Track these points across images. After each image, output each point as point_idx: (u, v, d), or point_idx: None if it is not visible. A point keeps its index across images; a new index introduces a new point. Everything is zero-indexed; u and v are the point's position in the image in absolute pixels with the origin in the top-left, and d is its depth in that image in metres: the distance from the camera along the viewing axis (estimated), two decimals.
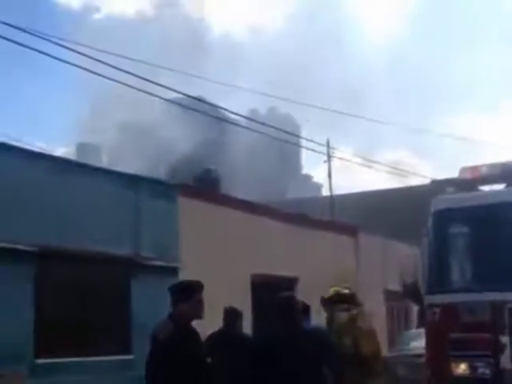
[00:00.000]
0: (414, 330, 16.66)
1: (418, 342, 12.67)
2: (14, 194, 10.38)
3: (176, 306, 5.67)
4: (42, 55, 11.37)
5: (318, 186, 44.47)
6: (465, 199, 9.08)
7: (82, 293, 11.28)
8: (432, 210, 9.06)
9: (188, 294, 5.68)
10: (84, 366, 10.92)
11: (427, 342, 8.89)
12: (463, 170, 9.36)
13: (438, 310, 8.52)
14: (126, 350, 11.73)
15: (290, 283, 15.75)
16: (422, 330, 10.33)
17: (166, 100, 18.38)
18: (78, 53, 11.82)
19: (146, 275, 12.23)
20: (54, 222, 10.91)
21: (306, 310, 7.48)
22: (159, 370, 5.43)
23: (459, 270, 9.22)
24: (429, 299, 8.72)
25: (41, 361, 10.37)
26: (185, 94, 15.49)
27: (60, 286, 11.01)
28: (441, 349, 8.48)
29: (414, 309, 19.98)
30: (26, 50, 10.97)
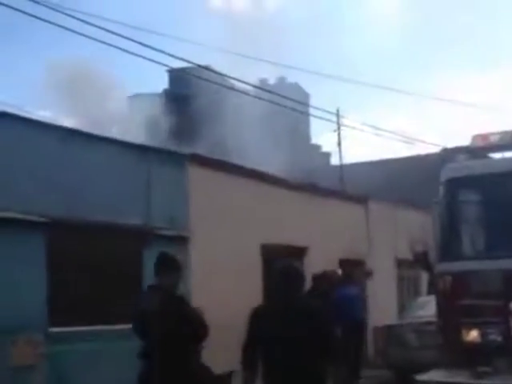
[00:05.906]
0: (423, 298, 16.71)
1: (427, 310, 12.70)
2: (23, 164, 10.40)
3: (165, 276, 5.69)
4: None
5: (327, 155, 44.22)
6: (476, 167, 9.04)
7: (94, 262, 11.34)
8: (443, 178, 9.02)
9: (178, 266, 5.77)
10: (97, 335, 11.03)
11: (438, 310, 8.91)
12: (475, 137, 9.29)
13: (449, 277, 8.53)
14: None
15: (300, 253, 15.79)
16: (432, 298, 10.37)
17: (173, 69, 18.23)
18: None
19: (157, 245, 12.27)
20: (64, 192, 10.93)
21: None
22: (163, 339, 5.50)
23: (471, 238, 9.23)
24: (440, 267, 8.72)
25: (55, 329, 10.47)
26: (193, 63, 15.39)
27: (72, 256, 11.07)
28: (452, 316, 8.51)
29: (424, 277, 20.07)
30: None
